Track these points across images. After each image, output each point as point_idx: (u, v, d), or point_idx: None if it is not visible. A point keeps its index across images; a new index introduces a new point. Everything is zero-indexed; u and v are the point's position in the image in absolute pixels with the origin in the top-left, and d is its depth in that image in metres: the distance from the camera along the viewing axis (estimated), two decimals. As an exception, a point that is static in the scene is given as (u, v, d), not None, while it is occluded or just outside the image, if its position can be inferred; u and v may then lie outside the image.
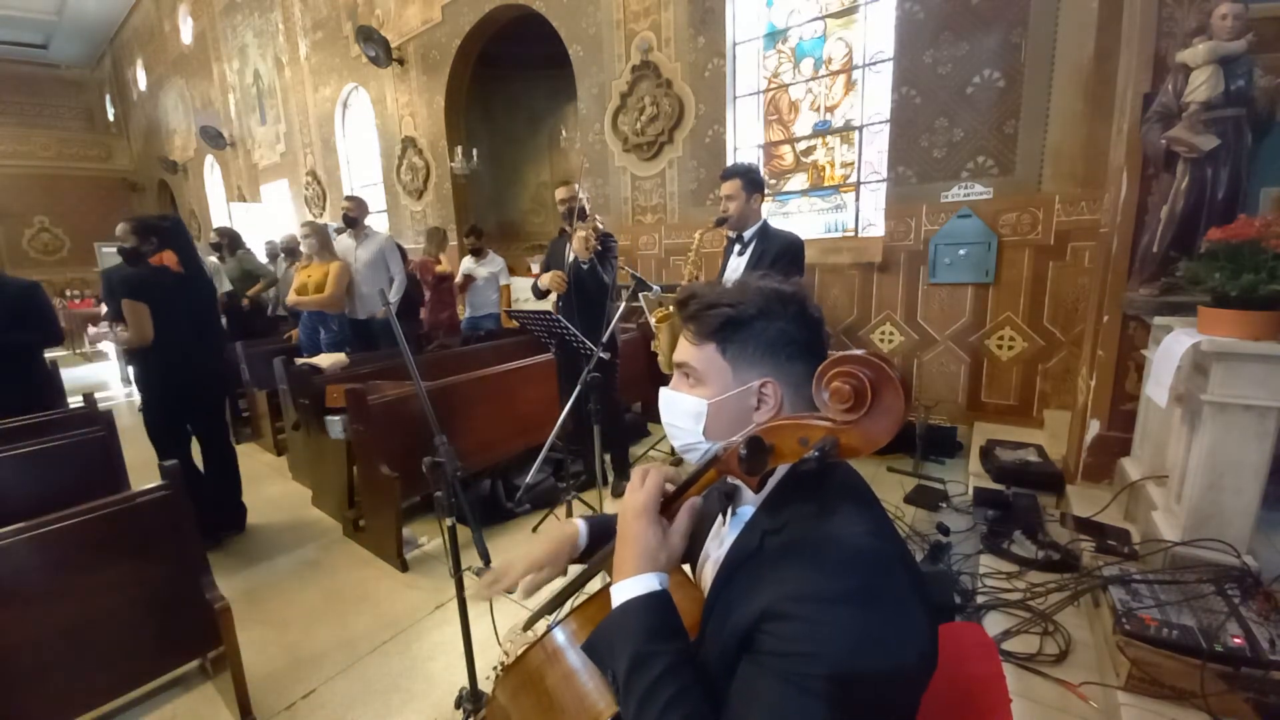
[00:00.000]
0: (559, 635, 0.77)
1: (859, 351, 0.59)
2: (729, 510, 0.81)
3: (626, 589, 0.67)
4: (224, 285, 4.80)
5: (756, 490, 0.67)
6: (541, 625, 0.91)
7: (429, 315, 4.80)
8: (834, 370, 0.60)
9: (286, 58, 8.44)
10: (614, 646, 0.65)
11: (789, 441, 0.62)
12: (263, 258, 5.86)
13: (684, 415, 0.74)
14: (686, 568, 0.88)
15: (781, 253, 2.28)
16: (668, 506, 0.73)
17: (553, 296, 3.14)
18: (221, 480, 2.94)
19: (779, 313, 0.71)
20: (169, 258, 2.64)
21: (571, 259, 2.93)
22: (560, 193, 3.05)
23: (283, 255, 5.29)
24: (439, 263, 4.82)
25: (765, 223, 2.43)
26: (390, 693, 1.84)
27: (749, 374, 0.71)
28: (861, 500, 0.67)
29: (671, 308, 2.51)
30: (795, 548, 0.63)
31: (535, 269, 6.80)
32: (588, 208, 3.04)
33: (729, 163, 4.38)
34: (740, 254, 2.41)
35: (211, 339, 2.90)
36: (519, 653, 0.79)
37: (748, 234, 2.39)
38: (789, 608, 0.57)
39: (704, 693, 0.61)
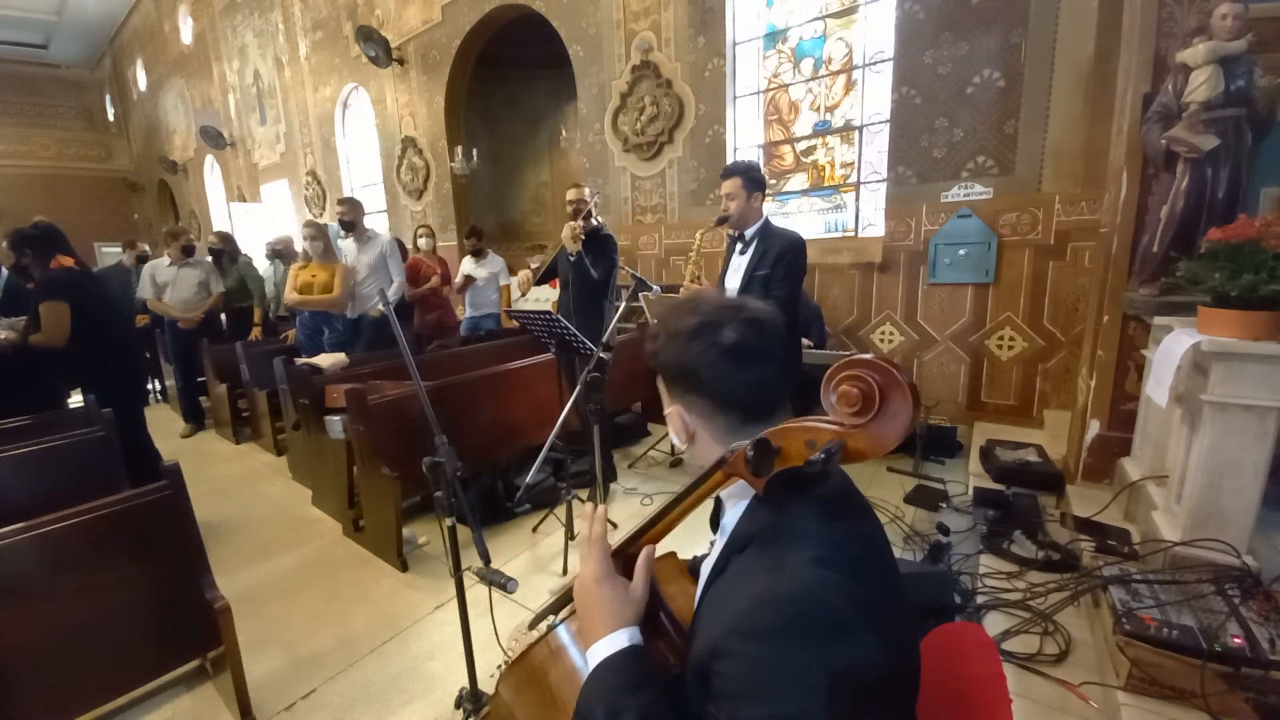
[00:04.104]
0: (563, 633, 0.78)
1: (867, 355, 0.59)
2: (718, 523, 0.81)
3: (599, 651, 0.69)
4: (218, 285, 4.78)
5: (764, 493, 0.68)
6: (545, 625, 0.91)
7: (418, 317, 4.79)
8: (842, 374, 0.60)
9: (286, 58, 8.45)
10: (592, 706, 0.66)
11: (796, 444, 0.62)
12: (264, 260, 5.83)
13: None
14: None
15: (783, 251, 2.25)
16: (626, 555, 0.77)
17: (554, 297, 3.18)
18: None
19: (677, 341, 0.73)
20: (65, 260, 2.75)
21: (571, 256, 2.98)
22: (570, 194, 3.08)
23: (278, 258, 5.28)
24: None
25: (767, 221, 2.40)
26: (390, 693, 1.84)
27: (670, 399, 0.78)
28: (828, 514, 0.64)
29: None
30: (746, 575, 0.64)
31: (534, 268, 6.81)
32: (595, 209, 3.07)
33: (729, 163, 4.38)
34: (742, 253, 2.39)
35: (131, 321, 3.05)
36: (524, 648, 0.80)
37: (749, 233, 2.36)
38: (731, 643, 0.57)
39: None
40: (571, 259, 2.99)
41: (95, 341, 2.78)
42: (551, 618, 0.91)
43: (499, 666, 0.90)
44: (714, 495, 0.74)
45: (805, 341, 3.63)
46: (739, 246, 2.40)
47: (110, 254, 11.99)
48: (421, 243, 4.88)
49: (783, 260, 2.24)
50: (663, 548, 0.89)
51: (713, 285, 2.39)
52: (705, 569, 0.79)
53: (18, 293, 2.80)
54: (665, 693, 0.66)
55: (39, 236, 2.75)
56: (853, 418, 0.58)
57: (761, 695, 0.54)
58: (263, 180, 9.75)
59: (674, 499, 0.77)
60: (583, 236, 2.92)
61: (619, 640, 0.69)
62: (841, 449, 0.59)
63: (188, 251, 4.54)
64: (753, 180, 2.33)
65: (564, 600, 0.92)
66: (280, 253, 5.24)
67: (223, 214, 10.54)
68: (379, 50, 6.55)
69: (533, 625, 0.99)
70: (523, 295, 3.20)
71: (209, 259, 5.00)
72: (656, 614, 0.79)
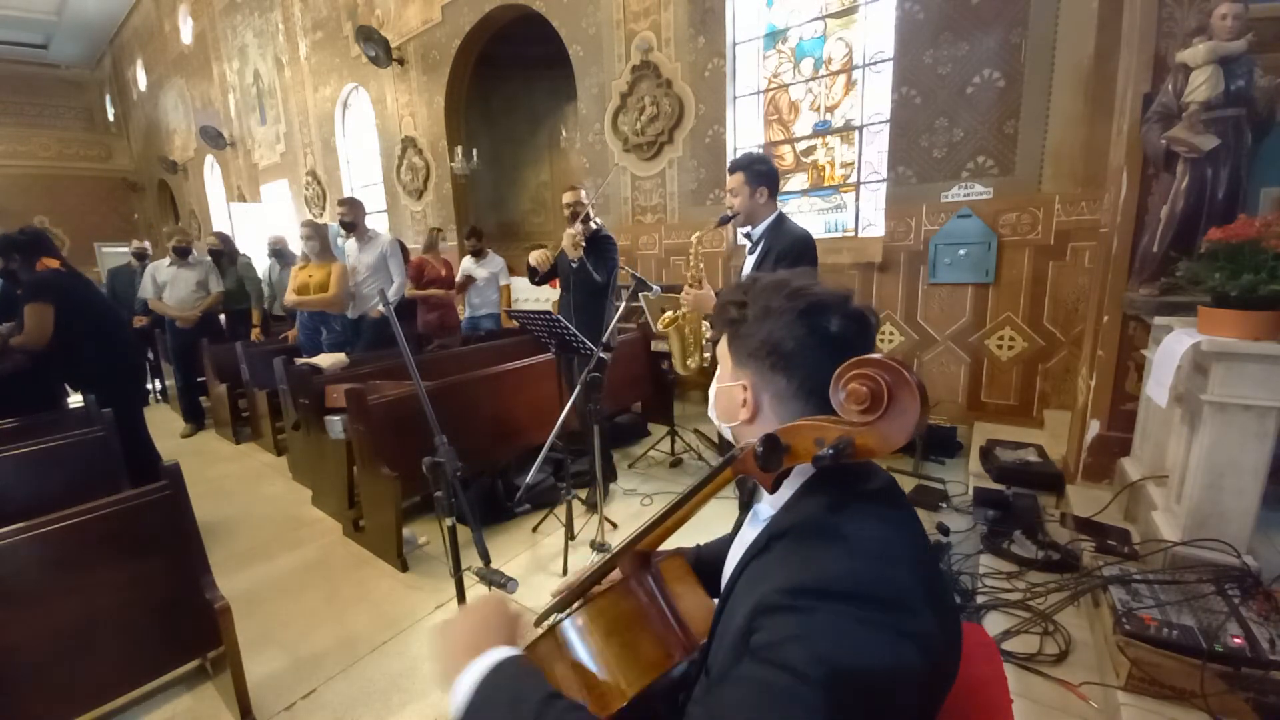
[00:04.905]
0: (569, 628, 0.78)
1: (877, 355, 0.60)
2: (748, 510, 0.81)
3: (470, 676, 0.65)
4: (217, 285, 4.79)
5: (771, 490, 0.68)
6: (550, 621, 0.92)
7: (420, 316, 4.78)
8: (852, 372, 0.60)
9: (286, 58, 8.45)
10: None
11: (805, 441, 0.62)
12: (266, 260, 5.84)
13: (712, 393, 0.81)
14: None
15: (786, 251, 2.12)
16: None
17: (555, 297, 3.16)
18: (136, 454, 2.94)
19: (772, 317, 0.70)
20: (50, 262, 2.78)
21: (569, 259, 2.96)
22: (566, 197, 3.06)
23: (276, 258, 5.28)
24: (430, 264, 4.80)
25: (779, 217, 2.22)
26: (390, 693, 1.84)
27: (740, 372, 0.74)
28: (883, 513, 0.64)
29: (679, 313, 2.47)
30: (799, 546, 0.62)
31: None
32: (592, 212, 3.06)
33: (729, 162, 4.37)
34: (751, 252, 2.26)
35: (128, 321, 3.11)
36: (530, 642, 0.81)
37: (757, 231, 2.23)
38: (780, 599, 0.56)
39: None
40: (574, 265, 2.94)
41: (87, 342, 2.78)
42: (556, 615, 0.92)
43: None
44: (719, 493, 0.74)
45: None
46: (748, 245, 2.32)
47: (110, 254, 12.02)
48: (441, 245, 4.88)
49: (784, 260, 2.12)
50: (669, 544, 0.89)
51: (714, 286, 2.34)
52: (736, 551, 0.79)
53: (14, 297, 2.81)
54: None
55: (26, 241, 2.78)
56: (861, 415, 0.59)
57: (815, 641, 0.52)
58: (263, 180, 9.75)
59: (683, 495, 0.77)
60: (584, 244, 2.87)
61: (493, 655, 0.67)
62: (850, 446, 0.59)
63: (181, 253, 4.54)
64: (757, 174, 2.18)
65: (570, 599, 0.92)
66: (279, 252, 5.25)
67: (223, 214, 10.53)
68: (379, 50, 6.55)
69: (538, 623, 1.00)
70: (540, 278, 3.16)
71: (209, 259, 5.00)
72: (663, 611, 0.79)
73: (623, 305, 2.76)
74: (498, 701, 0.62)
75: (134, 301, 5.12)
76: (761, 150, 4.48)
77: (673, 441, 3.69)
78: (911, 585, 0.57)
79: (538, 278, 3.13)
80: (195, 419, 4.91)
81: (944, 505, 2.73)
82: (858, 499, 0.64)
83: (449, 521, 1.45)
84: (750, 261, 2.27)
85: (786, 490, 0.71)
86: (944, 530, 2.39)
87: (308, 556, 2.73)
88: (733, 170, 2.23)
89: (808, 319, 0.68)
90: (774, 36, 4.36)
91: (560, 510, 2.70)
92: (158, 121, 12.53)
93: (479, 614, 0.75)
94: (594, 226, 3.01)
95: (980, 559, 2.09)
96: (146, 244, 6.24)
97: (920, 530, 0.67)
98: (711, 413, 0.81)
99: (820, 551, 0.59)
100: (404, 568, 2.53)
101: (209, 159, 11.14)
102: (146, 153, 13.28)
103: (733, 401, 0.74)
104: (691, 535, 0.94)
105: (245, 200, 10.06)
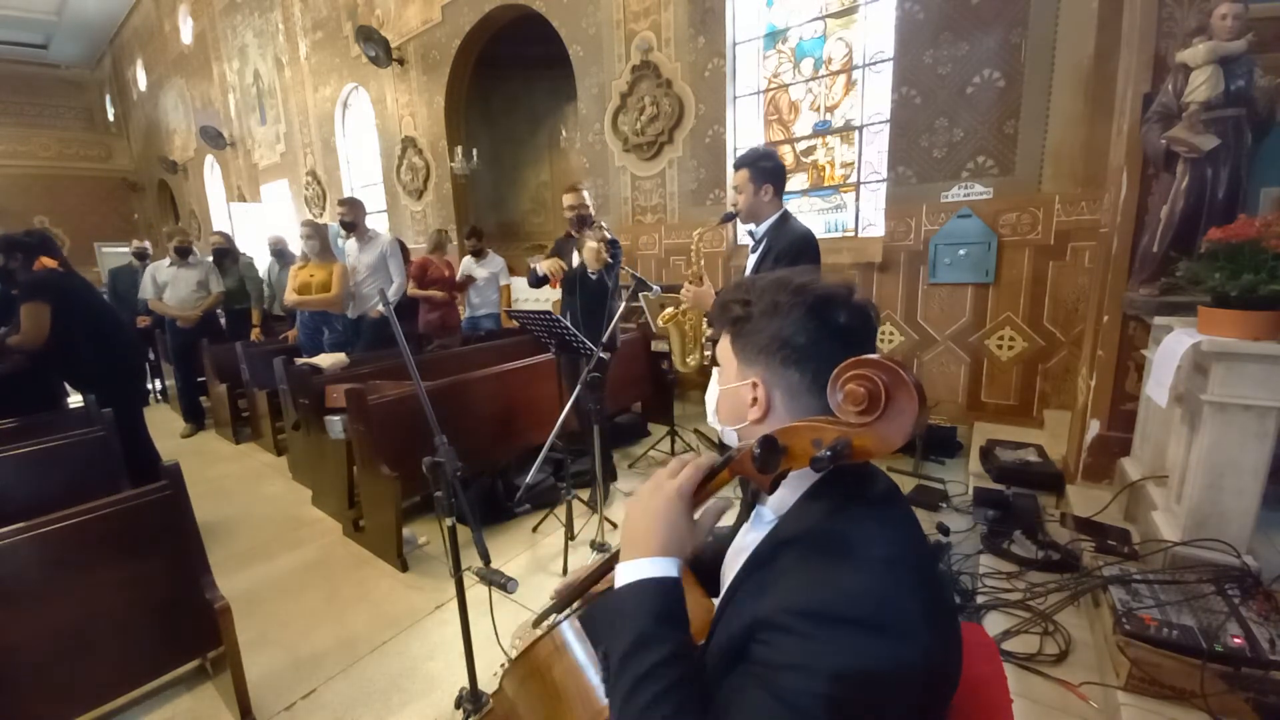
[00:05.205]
0: (566, 630, 0.78)
1: (874, 355, 0.60)
2: (751, 510, 0.81)
3: (643, 568, 0.65)
4: (217, 285, 4.78)
5: (768, 491, 0.68)
6: (549, 622, 0.92)
7: (421, 316, 4.78)
8: (849, 373, 0.60)
9: (286, 58, 8.45)
10: (618, 621, 0.63)
11: (802, 442, 0.62)
12: (268, 259, 5.84)
13: (710, 398, 0.79)
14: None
15: (786, 250, 2.09)
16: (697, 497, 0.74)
17: (554, 297, 3.12)
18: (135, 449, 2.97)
19: (780, 313, 0.70)
20: (48, 261, 2.80)
21: (578, 266, 2.90)
22: (568, 199, 2.99)
23: (276, 257, 5.28)
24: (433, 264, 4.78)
25: (783, 215, 2.18)
26: (390, 693, 1.84)
27: (748, 370, 0.73)
28: (886, 516, 0.65)
29: (679, 309, 2.45)
30: (806, 561, 0.62)
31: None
32: (594, 214, 3.03)
33: (729, 163, 4.37)
34: (754, 250, 2.23)
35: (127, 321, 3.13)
36: (529, 644, 0.81)
37: (760, 229, 2.20)
38: (787, 620, 0.56)
39: (697, 691, 0.61)
40: (593, 278, 2.86)
41: (85, 342, 2.79)
42: (555, 616, 0.92)
43: (501, 666, 0.90)
44: (717, 494, 0.74)
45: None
46: (751, 243, 2.30)
47: (110, 254, 12.03)
48: (451, 246, 4.86)
49: (784, 259, 2.09)
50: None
51: (715, 285, 2.33)
52: (737, 553, 0.78)
53: (11, 298, 2.81)
54: (693, 646, 0.63)
55: (33, 243, 2.80)
56: (859, 416, 0.59)
57: (816, 672, 0.52)
58: (263, 180, 9.75)
59: None
60: (609, 260, 2.80)
61: (669, 567, 0.65)
62: (848, 447, 0.59)
63: (182, 253, 4.54)
64: (761, 171, 2.13)
65: (568, 599, 0.92)
66: (280, 252, 5.25)
67: (223, 214, 10.53)
68: (379, 50, 6.55)
69: (537, 624, 1.00)
70: (554, 286, 3.07)
71: (210, 259, 5.00)
72: None
73: (623, 305, 2.75)
74: (632, 623, 0.62)
75: (136, 301, 5.12)
76: (767, 146, 4.47)
77: (673, 442, 3.69)
78: (916, 596, 0.58)
79: (548, 283, 3.07)
80: (195, 419, 4.91)
81: (944, 505, 2.73)
82: (863, 504, 0.65)
83: (449, 521, 1.45)
84: (752, 260, 2.26)
85: (788, 493, 0.71)
86: (944, 530, 2.39)
87: (308, 556, 2.73)
88: (738, 166, 2.20)
89: (818, 313, 0.68)
90: (774, 36, 4.36)
91: (560, 510, 2.70)
92: (158, 121, 12.53)
93: (665, 503, 0.68)
94: (607, 236, 2.93)
95: (980, 559, 2.09)
96: (147, 244, 6.24)
97: (921, 534, 0.68)
98: (713, 418, 0.81)
99: (829, 569, 0.59)
100: (404, 568, 2.53)
101: (209, 159, 11.14)
102: (146, 153, 13.28)
103: (740, 402, 0.73)
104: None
105: (245, 200, 10.06)
